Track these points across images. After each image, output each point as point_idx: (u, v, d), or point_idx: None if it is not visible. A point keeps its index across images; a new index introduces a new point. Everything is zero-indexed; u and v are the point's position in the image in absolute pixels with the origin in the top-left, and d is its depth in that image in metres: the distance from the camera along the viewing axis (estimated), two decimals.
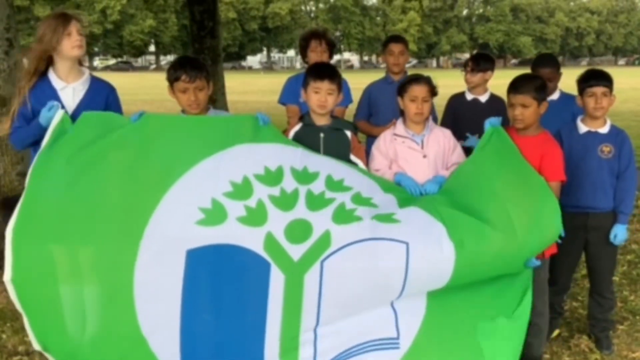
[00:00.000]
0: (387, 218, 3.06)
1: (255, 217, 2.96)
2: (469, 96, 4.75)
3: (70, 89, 3.55)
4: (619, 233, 3.77)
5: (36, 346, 2.98)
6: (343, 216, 3.02)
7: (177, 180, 3.00)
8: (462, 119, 4.53)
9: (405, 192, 3.40)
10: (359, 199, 3.14)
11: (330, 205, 3.06)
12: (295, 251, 2.94)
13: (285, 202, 3.02)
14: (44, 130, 3.25)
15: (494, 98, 4.76)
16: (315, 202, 3.06)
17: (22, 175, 4.88)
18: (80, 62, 3.65)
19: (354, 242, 2.95)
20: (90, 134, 3.13)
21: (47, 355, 3.00)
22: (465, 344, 3.12)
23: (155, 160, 3.08)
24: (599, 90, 3.69)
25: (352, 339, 3.05)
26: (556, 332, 4.12)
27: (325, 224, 2.98)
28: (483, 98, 4.72)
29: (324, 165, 3.26)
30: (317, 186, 3.13)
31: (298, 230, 2.97)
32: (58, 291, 2.90)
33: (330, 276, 2.93)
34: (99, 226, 2.95)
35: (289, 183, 3.08)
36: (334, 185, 3.17)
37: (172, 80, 3.49)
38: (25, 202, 2.98)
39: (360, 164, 3.59)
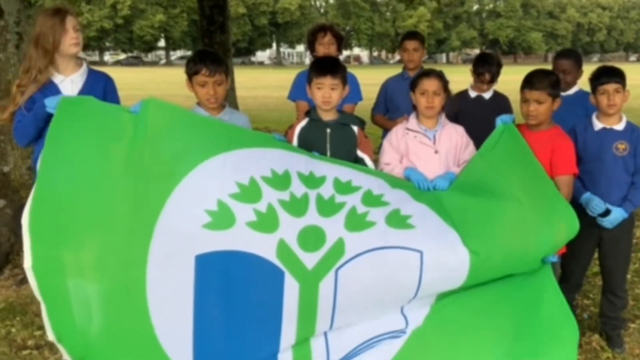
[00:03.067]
0: (402, 222, 3.02)
1: (267, 222, 2.89)
2: (473, 93, 4.75)
3: (68, 82, 3.58)
4: (614, 214, 3.66)
5: (50, 336, 2.96)
6: (355, 222, 2.97)
7: (182, 180, 2.92)
8: (466, 116, 4.51)
9: (413, 187, 3.36)
10: (369, 199, 3.09)
11: (342, 210, 3.00)
12: (309, 259, 2.88)
13: (296, 207, 2.95)
14: (47, 114, 3.20)
15: (497, 95, 4.76)
16: (327, 207, 3.00)
17: (32, 169, 4.89)
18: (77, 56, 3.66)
19: (367, 251, 2.90)
20: (92, 123, 3.03)
21: (59, 346, 2.99)
22: (473, 339, 3.08)
23: (160, 157, 3.00)
24: (611, 87, 3.64)
25: (363, 335, 3.03)
26: None
27: (338, 231, 2.93)
28: (487, 95, 4.72)
29: (329, 168, 3.21)
30: (326, 190, 3.07)
31: (311, 238, 2.90)
32: (69, 296, 2.86)
33: (344, 285, 2.88)
34: (107, 223, 2.89)
35: (297, 187, 3.02)
36: (343, 187, 3.12)
37: (192, 73, 3.47)
38: (37, 191, 2.90)
39: (367, 160, 3.56)
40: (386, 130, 4.79)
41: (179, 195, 2.89)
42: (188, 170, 2.94)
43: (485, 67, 4.64)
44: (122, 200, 2.92)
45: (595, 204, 3.62)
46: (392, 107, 5.01)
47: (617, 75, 3.68)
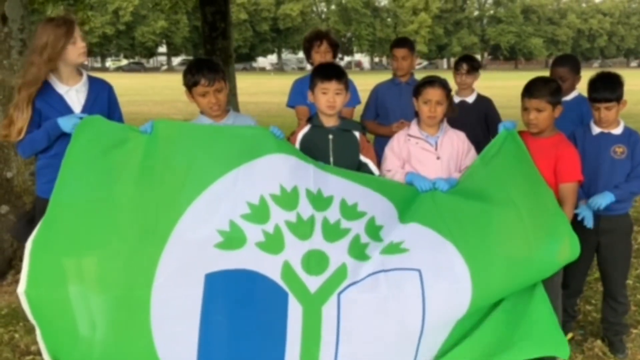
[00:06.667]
0: (395, 249, 3.06)
1: (273, 244, 2.95)
2: (457, 99, 4.78)
3: (73, 92, 3.56)
4: (603, 196, 3.57)
5: (46, 357, 3.00)
6: (358, 251, 3.02)
7: (195, 200, 2.99)
8: (451, 121, 4.55)
9: (416, 202, 3.34)
10: (372, 229, 3.12)
11: (346, 237, 3.05)
12: (312, 283, 2.92)
13: (302, 229, 3.00)
14: (59, 132, 3.33)
15: (480, 98, 4.81)
16: (332, 233, 3.04)
17: (35, 176, 4.90)
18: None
19: (368, 275, 2.95)
20: (106, 143, 3.12)
21: None
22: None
23: (174, 174, 3.06)
24: (601, 105, 3.62)
25: None
26: (569, 335, 4.09)
27: (342, 257, 2.98)
28: (470, 99, 4.77)
29: (337, 187, 3.22)
30: (333, 214, 3.11)
31: (315, 262, 2.95)
32: (71, 304, 2.89)
33: (347, 309, 2.91)
34: (117, 242, 2.94)
35: (304, 208, 3.06)
36: (349, 211, 3.15)
37: (191, 85, 3.48)
38: (48, 215, 2.99)
39: (370, 164, 3.58)
40: (377, 137, 4.78)
41: (191, 215, 2.95)
42: (200, 191, 3.00)
43: (464, 58, 4.78)
44: (133, 217, 2.98)
45: (587, 221, 3.61)
46: (383, 112, 4.95)
47: (609, 91, 3.61)
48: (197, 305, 2.89)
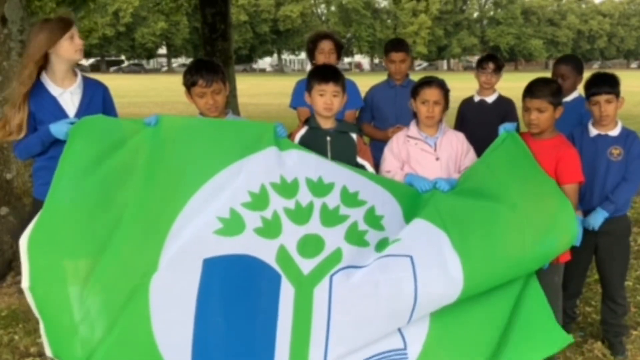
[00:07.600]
0: (390, 243, 3.07)
1: (270, 229, 3.00)
2: (477, 98, 4.80)
3: (67, 94, 3.52)
4: (595, 216, 3.64)
5: (48, 352, 3.00)
6: (355, 237, 3.06)
7: (197, 190, 3.03)
8: (469, 120, 4.54)
9: (418, 200, 3.35)
10: (371, 218, 3.16)
11: (344, 222, 3.09)
12: (306, 265, 2.97)
13: (300, 215, 3.05)
14: (52, 139, 3.30)
15: (501, 99, 4.79)
16: (330, 218, 3.08)
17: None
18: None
19: (365, 266, 2.98)
20: (106, 140, 3.11)
21: None
22: (476, 348, 3.10)
23: (176, 168, 3.09)
24: (601, 98, 3.64)
25: (361, 353, 3.00)
26: None
27: (338, 242, 3.02)
28: (490, 99, 4.75)
29: (339, 174, 3.25)
30: (332, 200, 3.14)
31: (310, 245, 3.00)
32: (72, 303, 2.90)
33: (339, 290, 2.94)
34: (119, 240, 2.95)
35: (304, 196, 3.10)
36: (349, 199, 3.17)
37: (189, 85, 3.49)
38: (44, 214, 2.99)
39: (367, 166, 3.59)
40: (373, 140, 4.77)
41: (193, 206, 2.99)
42: (203, 182, 3.04)
43: (490, 57, 4.75)
44: (136, 213, 3.00)
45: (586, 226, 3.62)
46: (378, 115, 4.87)
47: (608, 85, 3.65)
48: (193, 290, 2.92)
